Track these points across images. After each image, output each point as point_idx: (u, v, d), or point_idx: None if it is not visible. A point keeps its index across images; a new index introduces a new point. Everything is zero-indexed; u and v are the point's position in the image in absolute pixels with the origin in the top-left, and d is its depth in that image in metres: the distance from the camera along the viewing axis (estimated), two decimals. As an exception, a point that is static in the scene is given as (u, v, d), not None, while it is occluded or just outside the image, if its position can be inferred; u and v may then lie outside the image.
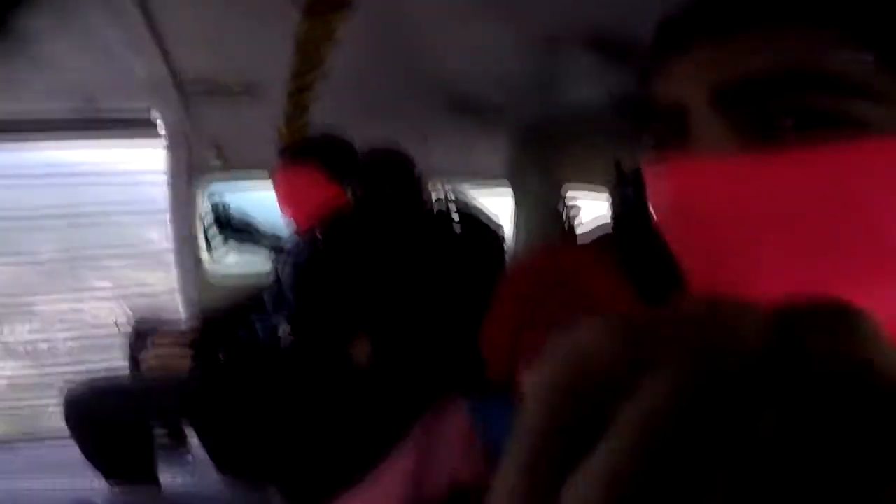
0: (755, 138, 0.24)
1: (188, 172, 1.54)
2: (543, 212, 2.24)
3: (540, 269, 0.63)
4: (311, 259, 1.20)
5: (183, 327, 1.32)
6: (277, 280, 1.30)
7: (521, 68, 1.40)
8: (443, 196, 1.45)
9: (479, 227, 1.40)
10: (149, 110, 1.41)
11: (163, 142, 1.48)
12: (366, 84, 1.45)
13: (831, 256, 0.24)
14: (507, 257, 1.48)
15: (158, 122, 1.44)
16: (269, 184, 1.42)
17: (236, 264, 1.77)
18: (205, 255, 1.67)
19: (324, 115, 1.49)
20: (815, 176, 0.23)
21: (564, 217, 2.20)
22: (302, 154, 1.26)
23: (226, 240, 1.54)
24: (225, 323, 1.32)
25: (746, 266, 0.26)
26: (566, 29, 1.16)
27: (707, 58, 0.26)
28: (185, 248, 1.60)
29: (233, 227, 1.54)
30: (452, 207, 1.41)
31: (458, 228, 1.36)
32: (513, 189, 2.22)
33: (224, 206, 1.55)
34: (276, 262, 1.36)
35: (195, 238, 1.64)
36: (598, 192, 2.43)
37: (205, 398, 1.10)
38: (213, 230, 1.55)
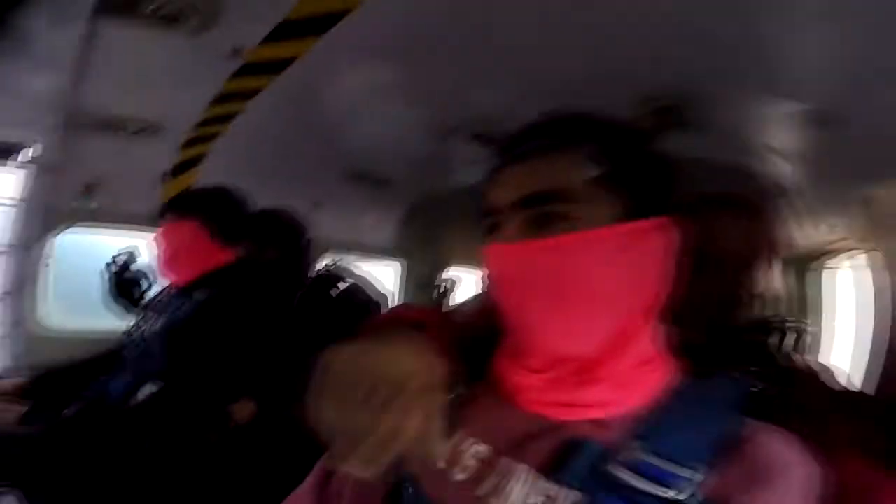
0: (532, 231, 0.44)
1: (45, 209, 1.39)
2: (426, 285, 2.43)
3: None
4: (190, 317, 1.14)
5: (10, 378, 1.11)
6: (142, 338, 1.19)
7: (417, 149, 1.51)
8: (331, 263, 1.55)
9: (357, 296, 1.49)
10: (22, 135, 1.26)
11: (27, 171, 1.32)
12: (267, 145, 1.47)
13: (568, 303, 0.43)
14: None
15: (27, 149, 1.29)
16: (138, 232, 1.35)
17: (70, 317, 1.55)
18: (39, 303, 1.46)
19: (218, 170, 1.48)
20: (555, 252, 0.43)
21: (438, 291, 2.41)
22: (189, 207, 1.22)
23: (115, 294, 1.37)
24: (67, 378, 1.16)
25: (528, 308, 0.45)
26: (459, 120, 1.31)
27: (513, 175, 0.46)
28: (20, 293, 1.38)
29: (125, 281, 1.38)
30: (337, 275, 1.50)
31: (336, 295, 1.44)
32: (402, 262, 2.37)
33: (129, 256, 1.39)
34: (141, 319, 1.26)
35: (34, 283, 1.44)
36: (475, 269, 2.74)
37: (42, 458, 0.93)
38: (112, 282, 1.38)
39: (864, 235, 0.81)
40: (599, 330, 0.44)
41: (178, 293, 1.22)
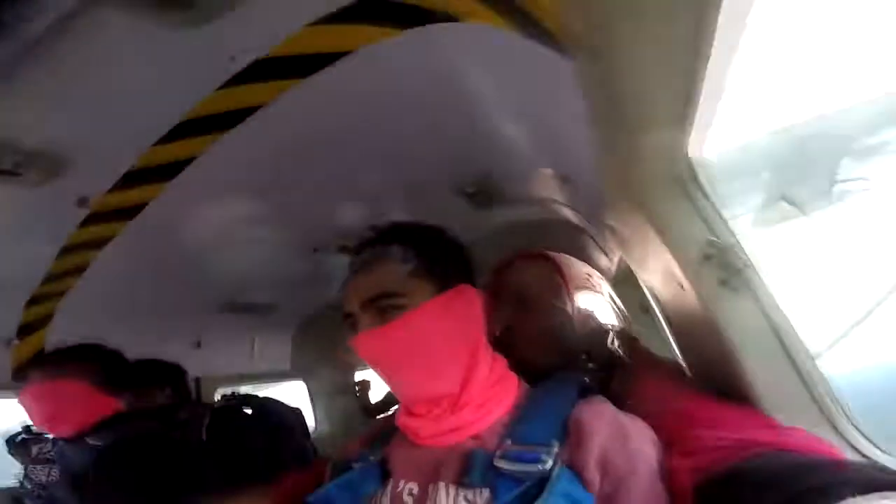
0: (377, 323, 0.62)
1: None
2: (339, 395, 2.40)
3: None
4: (93, 464, 1.12)
5: None
6: (43, 488, 1.17)
7: (293, 267, 1.53)
8: (228, 394, 1.54)
9: (274, 408, 1.51)
10: None
11: None
12: (133, 292, 1.41)
13: (417, 362, 0.61)
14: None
15: None
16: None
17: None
18: None
19: (78, 323, 1.36)
20: (392, 333, 0.61)
21: (356, 395, 2.41)
22: (64, 363, 1.19)
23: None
24: None
25: (393, 375, 0.63)
26: (323, 237, 1.36)
27: (356, 285, 0.65)
28: None
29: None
30: (242, 400, 1.50)
31: (252, 413, 1.44)
32: (304, 380, 2.32)
33: None
34: (34, 471, 1.21)
35: None
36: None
37: None
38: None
39: (624, 253, 1.10)
40: (448, 373, 0.63)
41: (68, 443, 1.18)
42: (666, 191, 0.70)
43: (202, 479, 1.23)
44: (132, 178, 0.92)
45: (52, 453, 1.22)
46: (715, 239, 0.67)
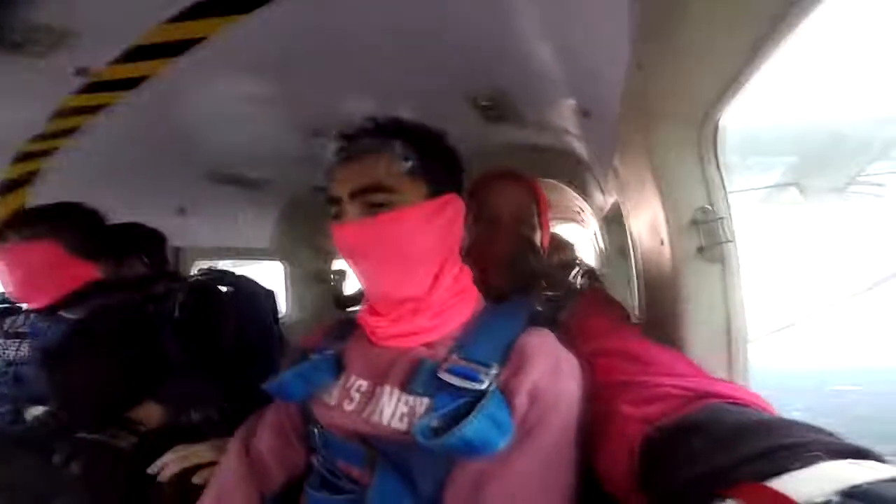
0: (365, 214, 0.61)
1: None
2: (315, 282, 2.47)
3: None
4: (68, 338, 1.09)
5: None
6: (9, 365, 1.12)
7: (288, 147, 1.49)
8: (205, 268, 1.55)
9: (248, 289, 1.53)
10: None
11: None
12: (124, 155, 1.38)
13: (397, 261, 0.62)
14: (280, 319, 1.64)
15: None
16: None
17: None
18: None
19: (61, 185, 1.34)
20: (380, 227, 0.61)
21: (334, 285, 2.49)
22: (40, 225, 1.13)
23: None
24: None
25: (370, 269, 0.63)
26: (325, 122, 1.25)
27: (347, 170, 0.63)
28: None
29: None
30: (218, 277, 1.51)
31: (225, 292, 1.47)
32: (283, 262, 2.36)
33: None
34: (5, 347, 1.15)
35: None
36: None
37: None
38: None
39: (621, 196, 1.10)
40: (420, 276, 0.64)
41: (41, 315, 1.15)
42: (680, 148, 0.68)
43: (170, 361, 1.23)
44: (136, 53, 0.89)
45: (24, 327, 1.16)
46: (709, 207, 0.66)
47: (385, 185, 0.61)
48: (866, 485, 0.27)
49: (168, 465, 0.80)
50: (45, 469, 0.97)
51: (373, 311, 0.68)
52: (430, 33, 0.94)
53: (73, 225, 1.17)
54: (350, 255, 0.64)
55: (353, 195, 0.61)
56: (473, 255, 0.84)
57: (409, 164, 0.63)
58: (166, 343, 1.24)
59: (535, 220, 0.93)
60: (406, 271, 0.63)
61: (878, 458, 0.32)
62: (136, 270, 1.43)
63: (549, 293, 0.85)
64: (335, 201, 0.63)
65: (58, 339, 1.10)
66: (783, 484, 0.30)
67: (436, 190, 0.64)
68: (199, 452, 0.80)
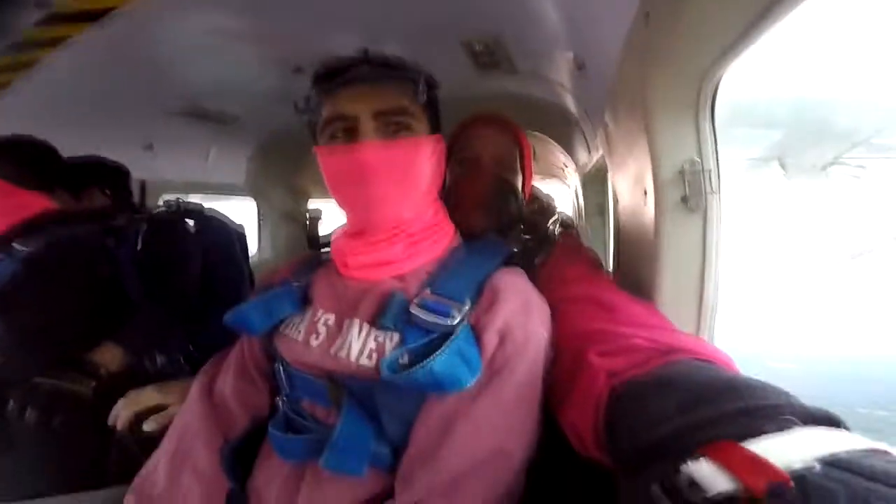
0: (384, 135, 0.60)
1: None
2: (287, 221, 2.42)
3: None
4: (19, 271, 1.03)
5: None
6: None
7: (266, 83, 1.44)
8: (172, 201, 1.46)
9: (216, 224, 1.47)
10: None
11: None
12: (85, 90, 1.29)
13: (406, 185, 0.60)
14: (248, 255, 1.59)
15: None
16: None
17: None
18: None
19: (19, 120, 1.25)
20: (402, 149, 0.60)
21: (306, 222, 2.43)
22: None
23: None
24: None
25: (380, 187, 0.60)
26: (304, 59, 1.24)
27: (366, 93, 0.60)
28: None
29: None
30: (185, 211, 1.43)
31: (192, 227, 1.40)
32: (255, 199, 2.29)
33: None
34: None
35: None
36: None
37: None
38: None
39: (607, 152, 1.08)
40: (416, 203, 0.63)
41: None
42: (678, 100, 0.66)
43: (131, 300, 1.17)
44: None
45: None
46: (697, 159, 0.65)
47: (408, 111, 0.62)
48: (845, 454, 0.27)
49: (120, 413, 0.77)
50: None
51: (353, 236, 0.65)
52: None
53: (13, 156, 1.09)
54: (361, 175, 0.60)
55: (376, 116, 0.60)
56: (455, 194, 0.82)
57: (423, 99, 0.64)
58: (127, 279, 1.17)
59: (518, 164, 0.91)
60: (409, 196, 0.62)
61: (846, 428, 0.31)
62: (95, 203, 1.33)
63: (526, 237, 0.84)
64: (347, 119, 0.60)
65: (9, 274, 1.04)
66: (760, 447, 0.29)
67: (434, 127, 0.67)
68: (146, 396, 0.78)
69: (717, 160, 0.67)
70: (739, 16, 0.52)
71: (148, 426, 0.74)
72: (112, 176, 1.38)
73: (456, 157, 0.88)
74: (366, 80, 0.62)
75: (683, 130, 0.66)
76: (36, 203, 1.11)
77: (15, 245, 1.06)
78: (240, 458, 0.64)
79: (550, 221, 0.90)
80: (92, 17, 0.93)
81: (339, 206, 0.65)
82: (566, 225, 0.95)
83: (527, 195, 0.94)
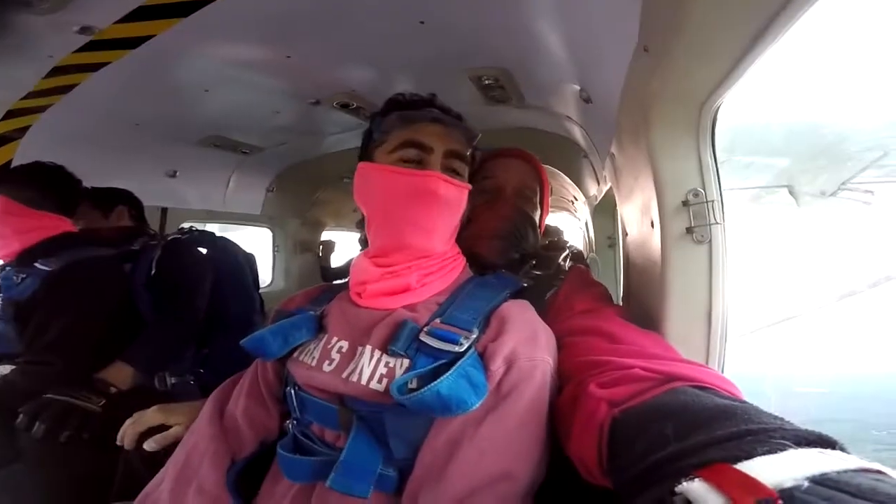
0: (446, 172, 0.68)
1: None
2: (302, 251, 2.46)
3: None
4: (38, 289, 1.08)
5: None
6: None
7: (286, 115, 1.50)
8: (186, 229, 1.52)
9: (228, 251, 1.51)
10: None
11: None
12: (113, 112, 1.34)
13: (445, 220, 0.68)
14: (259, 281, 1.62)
15: None
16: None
17: None
18: None
19: (51, 142, 1.30)
20: (455, 190, 0.69)
21: (318, 254, 2.47)
22: (13, 181, 1.15)
23: None
24: None
25: (425, 216, 0.67)
26: (325, 92, 1.33)
27: (441, 132, 0.68)
28: None
29: None
30: (198, 238, 1.49)
31: (204, 253, 1.45)
32: (271, 229, 2.35)
33: None
34: None
35: None
36: (350, 230, 2.83)
37: None
38: None
39: (615, 183, 1.10)
40: (444, 240, 0.70)
41: (15, 267, 1.15)
42: (679, 131, 0.68)
43: (141, 317, 1.22)
44: (143, 12, 0.88)
45: None
46: (700, 190, 0.67)
47: (465, 159, 0.72)
48: (835, 473, 0.27)
49: (126, 432, 0.79)
50: (6, 431, 0.96)
51: (375, 259, 0.69)
52: (437, 7, 0.93)
53: (35, 181, 1.17)
54: (421, 199, 0.66)
55: (448, 155, 0.69)
56: (475, 221, 0.85)
57: (470, 150, 0.73)
58: (140, 301, 1.23)
59: (537, 198, 0.94)
60: (444, 230, 0.69)
61: (842, 448, 0.32)
62: (123, 222, 1.42)
63: (538, 272, 0.85)
64: (423, 149, 0.68)
65: (29, 291, 1.09)
66: (752, 467, 0.30)
67: (470, 178, 0.75)
68: (149, 416, 0.80)
69: (721, 190, 0.68)
70: (733, 44, 0.54)
71: (148, 446, 0.76)
72: (132, 200, 1.47)
73: (479, 185, 0.91)
74: (442, 121, 0.71)
75: (686, 161, 0.68)
76: (56, 225, 1.18)
77: (37, 264, 1.12)
78: (246, 479, 0.66)
79: (562, 258, 0.91)
80: (129, 44, 0.99)
81: (381, 221, 0.69)
82: (577, 259, 0.96)
83: (542, 229, 0.96)
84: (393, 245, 0.68)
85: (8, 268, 1.16)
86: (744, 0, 0.48)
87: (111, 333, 1.15)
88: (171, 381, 1.24)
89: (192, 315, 1.29)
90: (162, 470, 0.69)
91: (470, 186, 0.72)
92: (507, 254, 0.85)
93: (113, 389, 1.07)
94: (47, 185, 1.19)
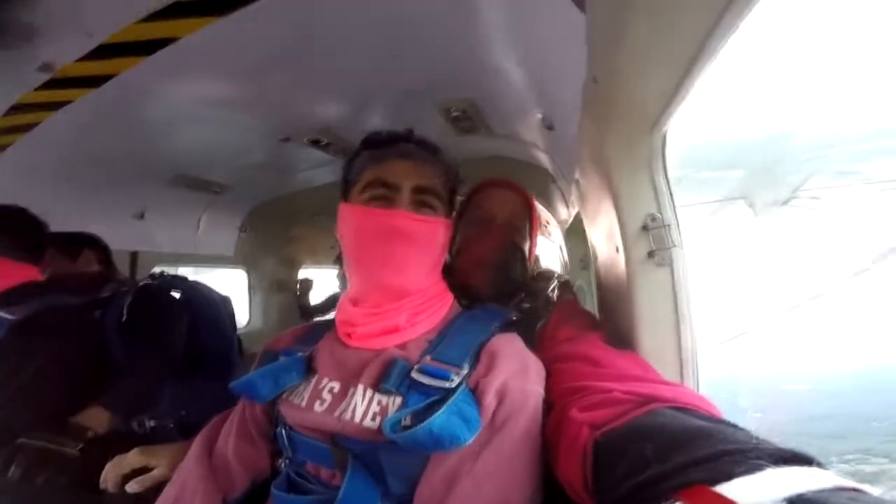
0: (415, 209, 0.67)
1: None
2: (278, 290, 2.41)
3: None
4: (5, 338, 1.06)
5: None
6: None
7: (255, 153, 1.50)
8: (157, 273, 1.49)
9: (202, 293, 1.48)
10: None
11: None
12: (77, 152, 1.31)
13: (421, 256, 0.68)
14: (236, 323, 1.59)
15: None
16: None
17: None
18: None
19: (13, 182, 1.27)
20: (426, 225, 0.68)
21: (297, 293, 2.43)
22: None
23: None
24: None
25: (396, 254, 0.66)
26: (294, 128, 1.34)
27: (410, 168, 0.68)
28: None
29: None
30: (169, 283, 1.45)
31: (178, 297, 1.41)
32: (245, 269, 2.30)
33: None
34: None
35: None
36: (327, 267, 2.80)
37: None
38: None
39: (581, 208, 1.14)
40: (423, 276, 0.69)
41: None
42: (632, 157, 0.72)
43: (114, 364, 1.19)
44: (106, 50, 0.87)
45: None
46: (658, 215, 0.70)
47: (439, 193, 0.70)
48: (811, 493, 0.28)
49: (108, 475, 0.78)
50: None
51: (357, 302, 0.69)
52: (403, 43, 0.96)
53: (11, 228, 1.14)
54: (387, 237, 0.66)
55: (416, 190, 0.67)
56: (465, 252, 0.86)
57: (449, 185, 0.73)
58: (111, 346, 1.19)
59: (526, 230, 0.95)
60: (420, 267, 0.68)
61: (818, 464, 0.33)
62: (91, 266, 1.38)
63: (527, 305, 0.86)
64: (389, 187, 0.67)
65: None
66: (731, 489, 0.30)
67: (447, 212, 0.73)
68: (130, 459, 0.79)
69: (675, 213, 0.72)
70: (672, 68, 0.55)
71: (130, 487, 0.75)
72: (99, 245, 1.42)
73: (469, 216, 0.93)
74: (412, 156, 0.70)
75: (641, 186, 0.71)
76: (21, 273, 1.14)
77: (1, 313, 1.09)
78: None
79: (550, 288, 0.92)
80: (91, 83, 0.97)
81: (354, 263, 0.70)
82: (565, 288, 0.98)
83: (531, 261, 0.97)
84: (368, 285, 0.69)
85: None
86: (678, 24, 0.51)
87: (84, 378, 1.12)
88: (149, 424, 1.21)
89: (169, 359, 1.26)
90: None
91: (445, 220, 0.71)
92: (498, 284, 0.86)
93: (90, 433, 1.03)
94: (13, 231, 1.15)
